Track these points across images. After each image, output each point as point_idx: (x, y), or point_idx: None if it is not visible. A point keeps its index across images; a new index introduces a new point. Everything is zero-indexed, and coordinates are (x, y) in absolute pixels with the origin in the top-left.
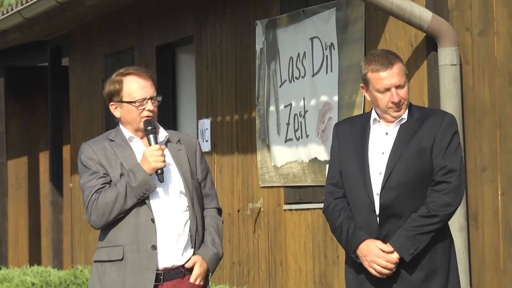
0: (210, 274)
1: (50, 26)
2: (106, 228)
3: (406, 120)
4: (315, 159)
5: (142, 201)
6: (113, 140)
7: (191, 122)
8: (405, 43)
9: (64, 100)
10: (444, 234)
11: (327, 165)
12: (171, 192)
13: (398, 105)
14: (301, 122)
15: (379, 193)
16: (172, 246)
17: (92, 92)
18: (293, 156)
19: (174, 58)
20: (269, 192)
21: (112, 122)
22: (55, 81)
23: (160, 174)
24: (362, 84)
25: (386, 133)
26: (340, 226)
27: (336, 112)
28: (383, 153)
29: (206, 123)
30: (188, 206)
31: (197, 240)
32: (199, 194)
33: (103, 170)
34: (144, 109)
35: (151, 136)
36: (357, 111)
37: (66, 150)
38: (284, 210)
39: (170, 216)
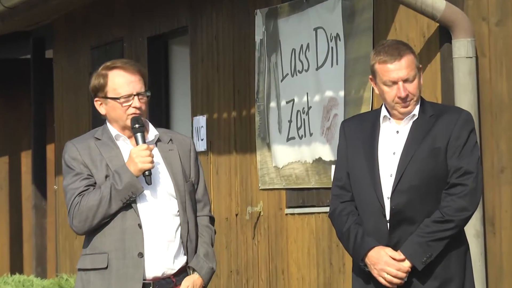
0: None
1: (32, 15)
2: (91, 233)
3: (418, 117)
4: (320, 159)
5: (128, 205)
6: (99, 139)
7: (185, 119)
8: (416, 34)
9: (48, 95)
10: (459, 240)
11: (333, 166)
12: (161, 195)
13: (405, 101)
14: (304, 119)
15: (389, 196)
16: (161, 253)
17: (78, 86)
18: (296, 156)
19: (167, 50)
20: (269, 195)
21: (100, 119)
22: (38, 74)
23: (147, 176)
24: (370, 76)
25: (397, 132)
26: (348, 232)
27: (342, 109)
28: (394, 153)
29: (201, 120)
30: (178, 211)
31: (189, 247)
32: (192, 198)
33: (87, 171)
34: (130, 106)
35: (138, 134)
36: (365, 107)
37: (50, 149)
38: (286, 214)
39: (159, 221)
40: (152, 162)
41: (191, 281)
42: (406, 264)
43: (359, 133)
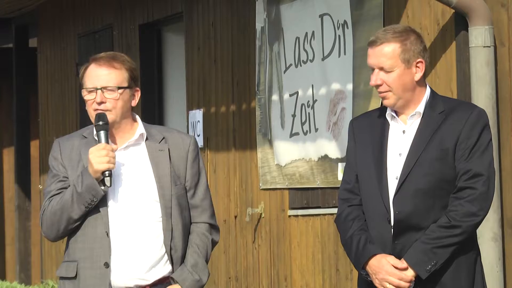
0: None
1: (14, 1)
2: (68, 240)
3: (425, 115)
4: (325, 156)
5: (100, 210)
6: (85, 137)
7: (180, 113)
8: (430, 21)
9: (32, 88)
10: (469, 248)
11: (339, 164)
12: (140, 200)
13: (379, 92)
14: (309, 113)
15: (393, 200)
16: (132, 263)
17: (64, 78)
18: (300, 153)
19: (160, 39)
20: (271, 195)
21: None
22: (20, 65)
23: (107, 177)
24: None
25: (403, 131)
26: (350, 238)
27: (350, 102)
28: (400, 155)
29: (197, 115)
30: (161, 217)
31: (174, 256)
32: (183, 204)
33: (64, 172)
34: (94, 100)
35: (101, 132)
36: (375, 101)
37: (34, 146)
38: (289, 216)
39: (132, 228)
40: (110, 162)
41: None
42: (410, 273)
43: (368, 132)
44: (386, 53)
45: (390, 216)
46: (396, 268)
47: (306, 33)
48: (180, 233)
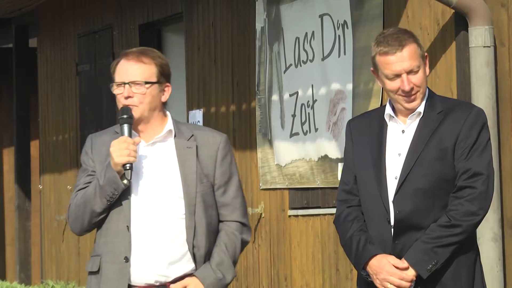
0: None
1: (14, 1)
2: (96, 234)
3: (424, 115)
4: (326, 156)
5: (123, 204)
6: (118, 133)
7: (180, 113)
8: (430, 21)
9: (32, 88)
10: (469, 247)
11: (339, 164)
12: (164, 196)
13: (409, 94)
14: (309, 113)
15: (393, 200)
16: (152, 258)
17: (64, 78)
18: (300, 153)
19: (160, 39)
20: (271, 195)
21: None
22: (21, 65)
23: (127, 170)
24: (372, 68)
25: (403, 131)
26: (350, 239)
27: (350, 102)
28: (399, 155)
29: (197, 115)
30: (184, 214)
31: (197, 255)
32: (209, 202)
33: (93, 167)
34: (122, 95)
35: (124, 126)
36: (375, 101)
37: (34, 146)
38: (289, 216)
39: (153, 223)
40: (130, 155)
41: (186, 283)
42: (410, 273)
43: (366, 133)
44: (412, 54)
45: (390, 216)
46: (397, 268)
47: (306, 33)
48: (203, 231)
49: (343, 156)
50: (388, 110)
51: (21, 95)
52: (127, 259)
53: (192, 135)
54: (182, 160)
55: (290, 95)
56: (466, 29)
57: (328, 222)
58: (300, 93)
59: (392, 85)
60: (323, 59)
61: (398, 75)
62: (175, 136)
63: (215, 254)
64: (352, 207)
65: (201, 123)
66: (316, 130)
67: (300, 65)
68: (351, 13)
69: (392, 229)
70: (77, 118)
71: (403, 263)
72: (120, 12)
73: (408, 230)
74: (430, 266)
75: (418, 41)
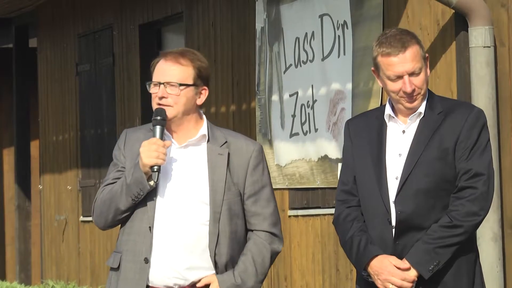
0: None
1: (14, 1)
2: (120, 230)
3: (424, 115)
4: (325, 157)
5: (145, 204)
6: (152, 131)
7: None
8: (430, 21)
9: (32, 88)
10: (469, 248)
11: (339, 164)
12: (189, 200)
13: (410, 96)
14: (309, 113)
15: (394, 200)
16: (172, 261)
17: (64, 78)
18: (300, 153)
19: (160, 39)
20: None
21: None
22: (20, 65)
23: (155, 172)
24: (372, 68)
25: (403, 132)
26: (351, 239)
27: (349, 102)
28: (400, 155)
29: None
30: (208, 220)
31: (219, 262)
32: (235, 210)
33: (123, 162)
34: (156, 95)
35: (157, 127)
36: (374, 101)
37: (34, 145)
38: (289, 216)
39: (176, 226)
40: (159, 157)
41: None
42: (412, 273)
43: (365, 133)
44: (414, 56)
45: (391, 216)
46: (399, 268)
47: (306, 33)
48: (227, 239)
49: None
50: (388, 110)
51: (21, 95)
52: (147, 260)
53: (226, 142)
54: (213, 167)
55: (290, 95)
56: (466, 29)
57: (328, 222)
58: (300, 93)
59: (393, 86)
60: (323, 59)
61: (399, 77)
62: (208, 141)
63: (240, 262)
64: (352, 207)
65: None
66: (316, 130)
67: (300, 65)
68: (351, 13)
69: (393, 230)
70: (77, 118)
71: (405, 263)
72: (120, 12)
73: (409, 230)
74: (432, 266)
75: (420, 43)
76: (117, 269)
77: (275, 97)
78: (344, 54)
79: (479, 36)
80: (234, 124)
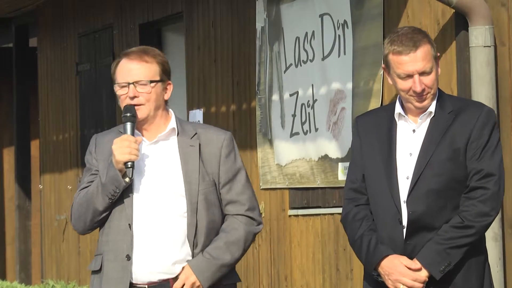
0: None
1: (14, 0)
2: (99, 233)
3: (435, 114)
4: (326, 156)
5: (122, 202)
6: (121, 132)
7: (181, 113)
8: (430, 20)
9: (32, 87)
10: (479, 249)
11: (339, 164)
12: (165, 194)
13: (420, 95)
14: (309, 113)
15: (405, 200)
16: (154, 256)
17: (64, 77)
18: (300, 153)
19: (160, 38)
20: (271, 195)
21: (88, 114)
22: (21, 64)
23: (129, 168)
24: (383, 65)
25: (413, 131)
26: (360, 239)
27: (350, 102)
28: (410, 155)
29: (198, 114)
30: (186, 212)
31: (194, 252)
32: (211, 200)
33: (96, 166)
34: (126, 95)
35: (127, 124)
36: (375, 100)
37: (35, 145)
38: (289, 216)
39: (155, 221)
40: (132, 153)
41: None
42: (423, 274)
43: (374, 131)
44: (425, 55)
45: (401, 216)
46: (410, 268)
47: (306, 33)
48: (205, 229)
49: (343, 156)
50: (398, 109)
51: (21, 95)
52: (129, 257)
53: (196, 134)
54: (185, 159)
55: (290, 95)
56: (466, 29)
57: (329, 222)
58: (300, 92)
59: (403, 84)
60: (323, 59)
61: (410, 75)
62: (178, 134)
63: (212, 242)
64: (360, 205)
65: (201, 123)
66: (316, 129)
67: (300, 65)
68: (351, 12)
69: (404, 230)
70: (77, 118)
71: (416, 264)
72: (120, 12)
73: (420, 230)
74: (443, 267)
75: (432, 42)
76: (99, 271)
77: (275, 97)
78: (345, 53)
79: (479, 35)
80: (235, 124)
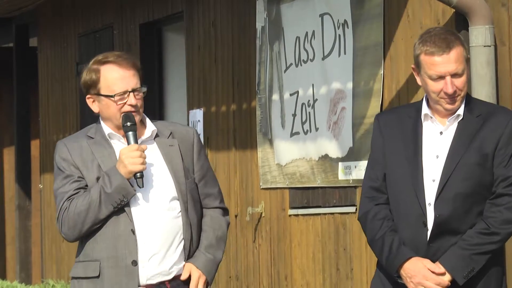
0: (209, 284)
1: (15, 0)
2: (83, 240)
3: (463, 117)
4: (326, 156)
5: (121, 208)
6: (92, 138)
7: (181, 112)
8: (430, 20)
9: (32, 87)
10: (499, 256)
11: (339, 163)
12: (159, 196)
13: (451, 97)
14: (309, 113)
15: (431, 203)
16: (158, 260)
17: (64, 77)
18: (300, 152)
19: (160, 38)
20: (271, 195)
21: (88, 114)
22: (21, 64)
23: (139, 178)
24: (413, 66)
25: (441, 133)
26: (382, 239)
27: (350, 101)
28: (437, 157)
29: (198, 114)
30: (180, 212)
31: (191, 250)
32: (195, 197)
33: (78, 172)
34: (125, 103)
35: (130, 133)
36: (375, 100)
37: (35, 145)
38: (289, 215)
39: (156, 225)
40: (143, 163)
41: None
42: (446, 278)
43: (398, 131)
44: (458, 57)
45: (426, 218)
46: (433, 272)
47: (307, 32)
48: (196, 226)
49: (343, 155)
50: (425, 109)
51: (22, 95)
52: (135, 263)
53: (171, 133)
54: (169, 160)
55: (291, 95)
56: (467, 29)
57: (329, 221)
58: (300, 92)
59: (435, 86)
60: (323, 59)
61: (441, 77)
62: (156, 136)
63: (204, 238)
64: (380, 205)
65: (201, 123)
66: (316, 129)
67: (301, 65)
68: (351, 12)
69: (429, 232)
70: (78, 118)
71: (440, 268)
72: (121, 12)
73: (445, 234)
74: (466, 272)
75: (464, 44)
76: (97, 277)
77: (275, 97)
78: (345, 53)
79: (479, 35)
80: (235, 124)
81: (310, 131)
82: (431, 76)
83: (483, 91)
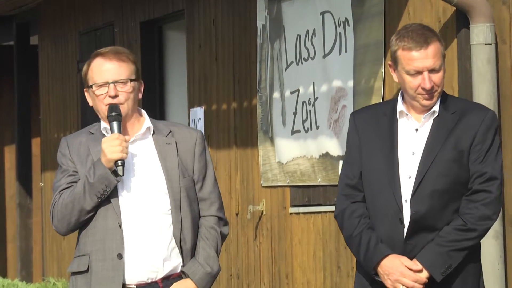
0: None
1: None
2: (79, 234)
3: (439, 114)
4: (327, 154)
5: (110, 203)
6: (93, 133)
7: (182, 110)
8: (431, 18)
9: (33, 85)
10: (476, 251)
11: (340, 161)
12: (149, 192)
13: (429, 92)
14: (310, 111)
15: (407, 200)
16: (145, 255)
17: (65, 75)
18: (301, 150)
19: (161, 36)
20: (272, 193)
21: (89, 112)
22: (22, 62)
23: (119, 166)
24: (390, 62)
25: (416, 130)
26: (359, 237)
27: (351, 99)
28: (413, 154)
29: (198, 112)
30: (170, 209)
31: (184, 248)
32: (191, 195)
33: (73, 167)
34: (106, 94)
35: (114, 123)
36: (376, 98)
37: (36, 143)
38: (290, 213)
39: (144, 219)
40: (123, 151)
41: (181, 286)
42: (424, 275)
43: (374, 128)
44: (435, 53)
45: (403, 215)
46: (410, 269)
47: (307, 30)
48: (189, 225)
49: (344, 153)
50: (400, 107)
51: (22, 93)
52: (120, 256)
53: (170, 132)
54: (163, 156)
55: (291, 93)
56: (467, 27)
57: (330, 219)
58: (301, 90)
59: (412, 82)
60: (324, 57)
61: (419, 72)
62: (153, 133)
63: (200, 249)
64: (357, 203)
65: (202, 121)
66: (317, 127)
67: (301, 63)
68: (352, 10)
69: (405, 229)
70: (78, 116)
71: (417, 265)
72: (121, 10)
73: (421, 231)
74: (444, 269)
75: (441, 40)
76: (86, 271)
77: (276, 95)
78: (346, 51)
79: (480, 33)
80: (235, 122)
81: (311, 129)
82: (408, 71)
83: (484, 89)
